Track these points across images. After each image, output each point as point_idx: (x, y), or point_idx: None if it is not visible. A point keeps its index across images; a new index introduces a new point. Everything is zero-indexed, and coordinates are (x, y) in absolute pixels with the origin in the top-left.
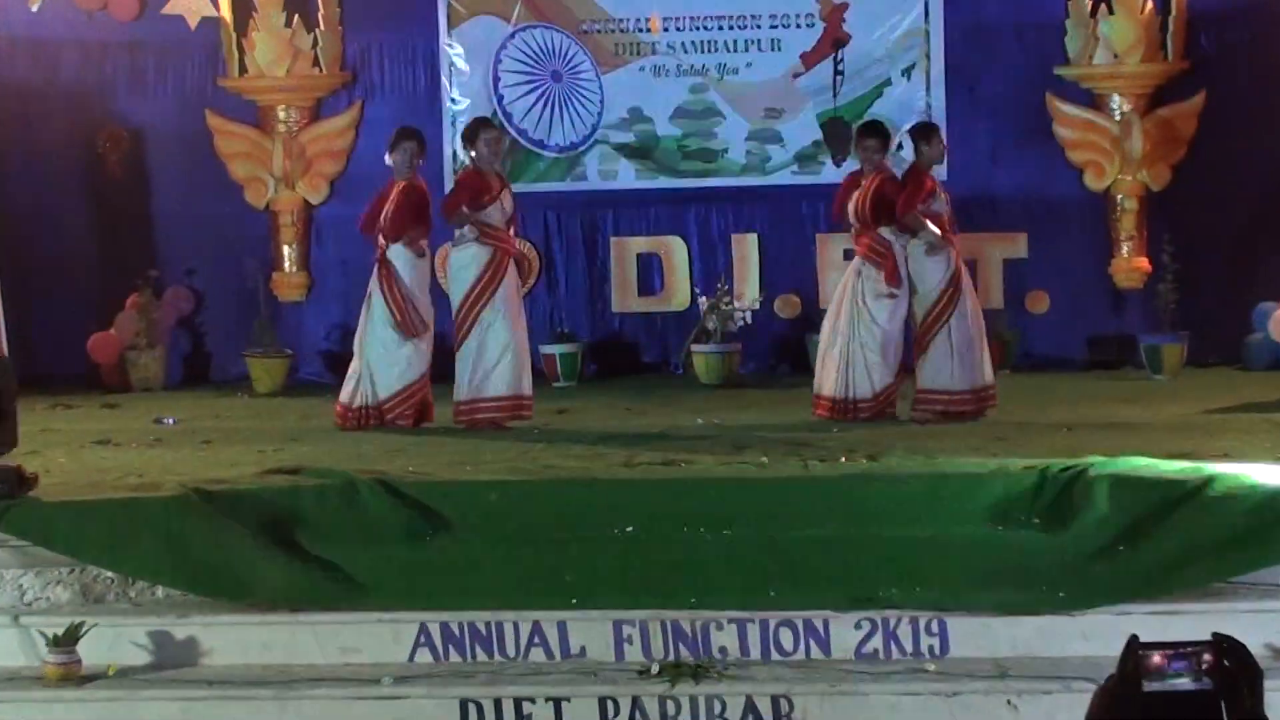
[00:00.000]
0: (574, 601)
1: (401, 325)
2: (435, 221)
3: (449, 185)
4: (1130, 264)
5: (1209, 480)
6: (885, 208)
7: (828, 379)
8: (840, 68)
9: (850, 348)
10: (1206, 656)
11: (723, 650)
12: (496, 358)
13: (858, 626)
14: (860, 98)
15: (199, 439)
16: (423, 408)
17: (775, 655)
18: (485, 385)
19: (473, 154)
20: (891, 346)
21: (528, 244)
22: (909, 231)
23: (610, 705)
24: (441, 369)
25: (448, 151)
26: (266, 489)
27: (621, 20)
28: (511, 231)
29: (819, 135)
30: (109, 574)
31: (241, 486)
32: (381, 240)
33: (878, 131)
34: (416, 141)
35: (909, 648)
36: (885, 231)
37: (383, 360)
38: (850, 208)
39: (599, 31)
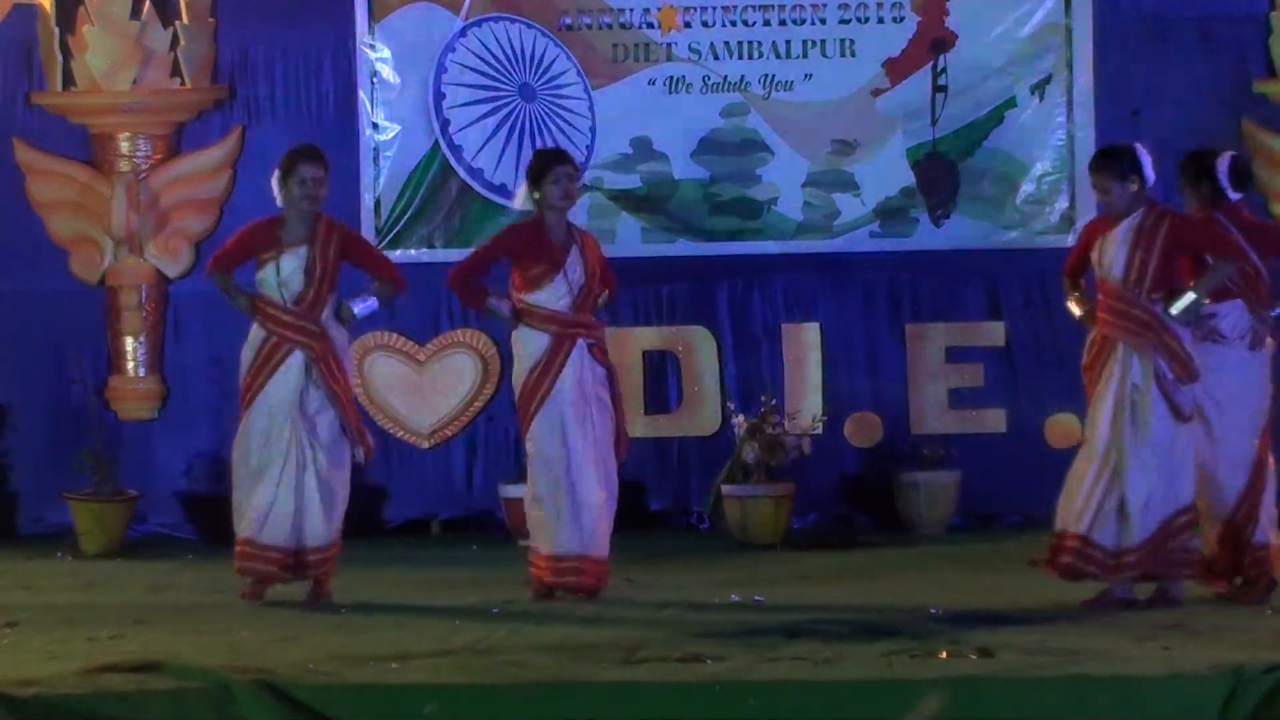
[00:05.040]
0: None
1: None
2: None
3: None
4: None
5: None
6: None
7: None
8: (942, 81)
9: None
10: None
11: None
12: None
13: None
14: (971, 125)
15: (0, 620)
16: None
17: None
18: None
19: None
20: None
21: (484, 336)
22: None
23: None
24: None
25: (368, 199)
26: (99, 694)
27: (623, 11)
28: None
29: (911, 180)
30: None
31: (62, 690)
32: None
33: None
34: None
35: None
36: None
37: None
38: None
39: (590, 28)
